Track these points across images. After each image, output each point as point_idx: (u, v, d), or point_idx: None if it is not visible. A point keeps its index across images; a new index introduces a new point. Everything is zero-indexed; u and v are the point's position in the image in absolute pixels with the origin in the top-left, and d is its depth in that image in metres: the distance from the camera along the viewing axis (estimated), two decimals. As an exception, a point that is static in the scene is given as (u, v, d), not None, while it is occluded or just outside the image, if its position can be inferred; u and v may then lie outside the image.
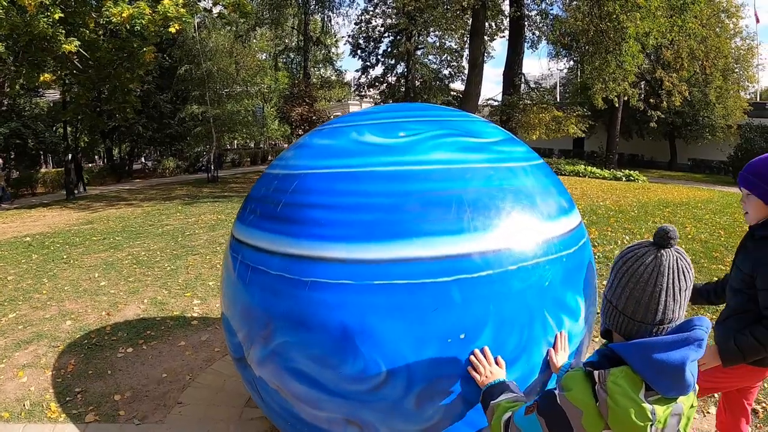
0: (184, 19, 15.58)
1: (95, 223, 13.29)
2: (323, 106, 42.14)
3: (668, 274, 1.49)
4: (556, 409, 1.54)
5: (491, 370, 2.08)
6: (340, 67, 48.31)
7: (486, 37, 27.99)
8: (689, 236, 10.62)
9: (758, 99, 38.86)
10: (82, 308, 6.41)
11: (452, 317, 2.10)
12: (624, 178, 23.07)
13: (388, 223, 2.20)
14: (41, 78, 17.95)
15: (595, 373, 1.49)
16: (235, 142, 44.94)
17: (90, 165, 32.61)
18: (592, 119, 30.13)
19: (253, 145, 46.24)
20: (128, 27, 15.65)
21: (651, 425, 1.41)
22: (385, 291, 2.09)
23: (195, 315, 6.13)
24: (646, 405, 1.40)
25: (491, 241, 2.18)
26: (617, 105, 23.80)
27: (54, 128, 29.81)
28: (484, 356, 2.13)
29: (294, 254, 2.28)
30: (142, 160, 36.61)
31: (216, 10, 20.06)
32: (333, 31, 35.51)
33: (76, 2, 16.37)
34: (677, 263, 1.50)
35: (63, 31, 15.64)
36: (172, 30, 15.51)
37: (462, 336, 2.11)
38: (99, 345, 5.30)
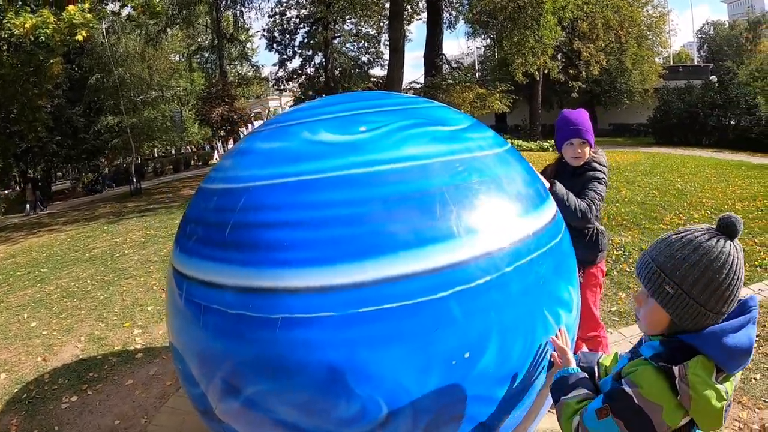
0: (91, 25, 14.57)
1: (17, 256, 12.28)
2: (243, 104, 41.38)
3: (740, 265, 1.49)
4: (634, 408, 1.52)
5: (569, 356, 1.97)
6: (257, 62, 47.42)
7: (404, 21, 27.99)
8: (626, 199, 10.97)
9: (671, 63, 40.84)
10: (14, 356, 5.79)
11: (455, 336, 1.81)
12: (551, 148, 23.42)
13: (365, 236, 1.83)
14: None
15: (675, 368, 1.48)
16: (155, 150, 43.73)
17: (6, 192, 30.96)
18: (515, 94, 30.69)
19: (174, 152, 45.09)
20: (32, 39, 14.57)
21: (726, 403, 1.48)
22: (376, 318, 1.74)
23: (138, 347, 5.64)
24: (720, 387, 1.46)
25: (485, 244, 1.91)
26: (537, 78, 24.11)
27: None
28: (564, 340, 2.08)
29: (255, 287, 1.86)
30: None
31: (125, 12, 18.95)
32: (247, 26, 34.64)
33: None
34: (739, 253, 1.50)
35: None
36: (80, 38, 14.46)
37: (467, 355, 1.83)
38: (40, 397, 4.77)
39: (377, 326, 1.75)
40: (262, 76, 39.31)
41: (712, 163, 17.65)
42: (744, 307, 1.52)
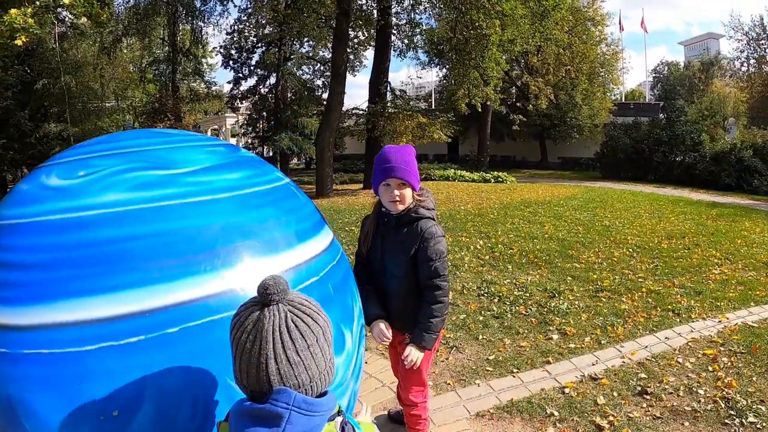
0: (32, 30, 14.28)
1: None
2: (198, 120, 40.94)
3: (273, 338, 1.32)
4: None
5: None
6: (213, 78, 47.06)
7: (359, 47, 28.03)
8: (547, 235, 10.80)
9: (623, 99, 41.71)
10: None
11: (103, 391, 1.70)
12: (492, 180, 23.76)
13: (43, 283, 1.80)
14: None
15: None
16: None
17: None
18: (464, 123, 30.97)
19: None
20: None
21: None
22: (35, 361, 1.71)
23: None
24: None
25: (155, 298, 1.80)
26: (480, 110, 24.40)
27: None
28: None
29: None
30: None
31: (73, 19, 18.96)
32: (204, 42, 34.44)
33: None
34: (287, 321, 1.34)
35: None
36: (19, 43, 14.31)
37: (115, 413, 1.70)
38: None
39: (35, 368, 1.72)
40: (215, 93, 39.01)
41: (651, 198, 17.89)
42: (274, 398, 1.29)
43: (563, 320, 6.06)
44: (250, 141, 36.80)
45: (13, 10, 13.90)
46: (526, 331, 5.79)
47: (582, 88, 31.37)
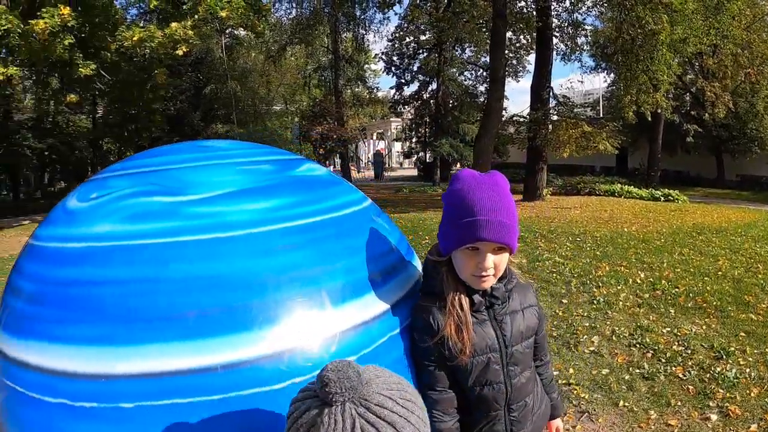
0: (191, 41, 15.78)
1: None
2: (364, 123, 41.94)
3: None
4: None
5: None
6: (377, 84, 48.12)
7: (520, 50, 27.09)
8: (720, 272, 8.96)
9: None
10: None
11: None
12: (662, 198, 21.34)
13: (19, 315, 1.64)
14: (68, 99, 19.41)
15: None
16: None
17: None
18: (634, 134, 28.73)
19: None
20: (139, 50, 16.13)
21: None
22: None
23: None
24: None
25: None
26: (650, 119, 22.41)
27: (101, 145, 30.87)
28: None
29: None
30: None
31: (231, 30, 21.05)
32: (365, 49, 35.20)
33: (91, 27, 16.90)
34: (353, 426, 1.01)
35: (81, 55, 16.25)
36: (179, 52, 15.80)
37: None
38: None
39: None
40: (378, 98, 39.68)
41: None
42: None
43: (728, 394, 4.74)
44: (412, 146, 37.13)
45: (173, 24, 15.18)
46: (679, 403, 4.61)
47: (764, 95, 27.26)
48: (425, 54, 32.48)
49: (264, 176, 1.89)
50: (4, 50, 16.09)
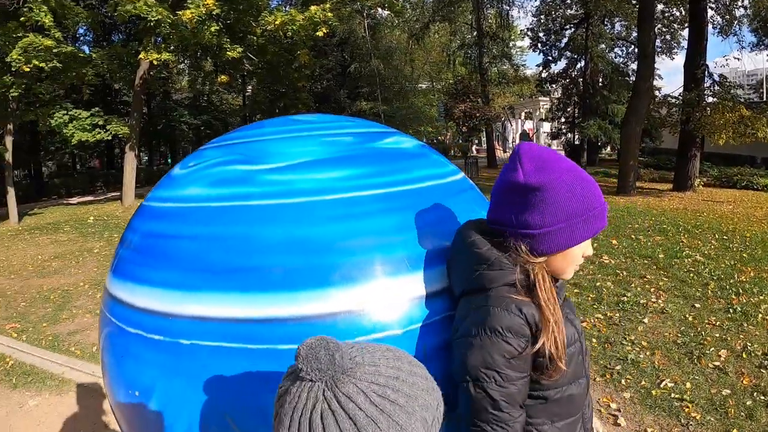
0: (330, 23, 16.74)
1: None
2: (512, 102, 41.28)
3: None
4: None
5: None
6: (524, 61, 46.96)
7: (674, 25, 25.52)
8: None
9: None
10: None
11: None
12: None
13: (122, 261, 2.00)
14: (219, 79, 21.04)
15: None
16: (423, 138, 45.79)
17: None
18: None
19: (435, 140, 46.61)
20: (282, 33, 17.54)
21: None
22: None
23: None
24: None
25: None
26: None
27: (253, 121, 33.76)
28: None
29: None
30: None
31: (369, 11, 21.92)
32: (510, 25, 34.48)
33: (236, 14, 18.23)
34: (314, 408, 0.92)
35: (228, 40, 17.70)
36: (320, 34, 16.93)
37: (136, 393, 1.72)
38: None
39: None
40: (523, 76, 38.74)
41: None
42: None
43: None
44: (559, 126, 36.03)
45: (313, 7, 16.09)
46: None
47: None
48: (572, 29, 31.37)
49: (343, 147, 2.00)
50: (158, 38, 18.13)
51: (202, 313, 1.61)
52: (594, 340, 5.36)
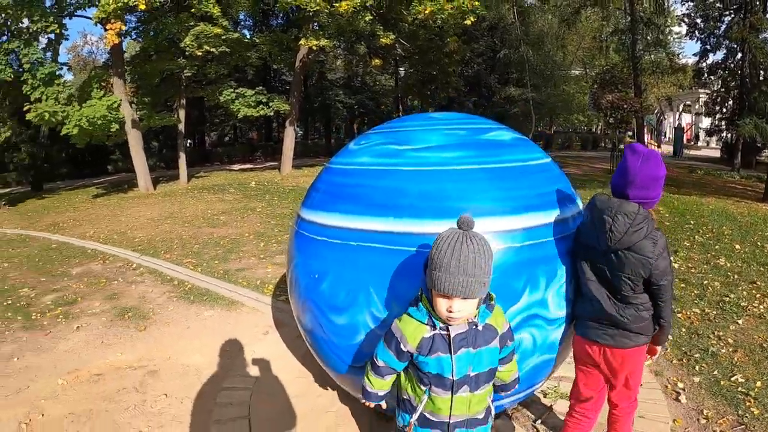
0: (477, 11, 17.50)
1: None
2: (670, 93, 39.40)
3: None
4: None
5: None
6: (681, 49, 44.27)
7: None
8: None
9: None
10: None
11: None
12: None
13: (320, 201, 3.27)
14: (372, 62, 22.48)
15: None
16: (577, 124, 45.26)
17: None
18: None
19: (589, 130, 45.78)
20: (431, 21, 18.41)
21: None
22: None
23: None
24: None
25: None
26: None
27: (406, 101, 35.57)
28: None
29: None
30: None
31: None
32: (667, 10, 32.76)
33: (388, 3, 19.63)
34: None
35: (381, 27, 19.32)
36: (468, 22, 17.75)
37: (316, 276, 3.04)
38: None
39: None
40: (680, 65, 36.57)
41: None
42: None
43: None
44: (717, 123, 33.44)
45: None
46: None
47: None
48: (731, 15, 29.43)
49: (458, 137, 3.17)
50: (316, 25, 20.02)
51: (366, 228, 2.87)
52: (683, 329, 5.52)
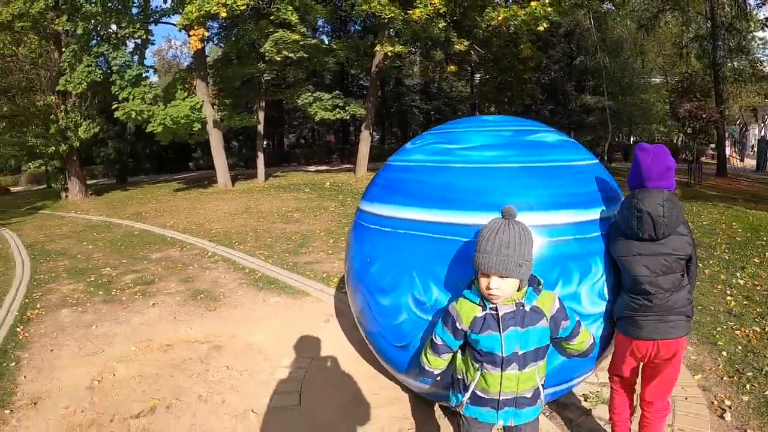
0: (550, 17, 17.45)
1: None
2: (755, 103, 37.83)
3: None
4: None
5: None
6: (767, 56, 42.32)
7: None
8: None
9: None
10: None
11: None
12: None
13: (377, 194, 3.65)
14: (448, 69, 22.90)
15: None
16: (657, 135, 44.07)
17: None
18: None
19: (669, 140, 44.54)
20: (505, 28, 18.70)
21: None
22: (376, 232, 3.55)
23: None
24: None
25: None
26: None
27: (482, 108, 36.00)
28: None
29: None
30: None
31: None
32: (750, 15, 31.30)
33: (461, 9, 19.83)
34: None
35: (455, 34, 19.58)
36: (540, 29, 17.74)
37: (368, 260, 3.42)
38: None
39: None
40: (762, 73, 35.04)
41: None
42: None
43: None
44: None
45: (533, 2, 16.96)
46: None
47: None
48: None
49: (503, 138, 3.45)
50: (392, 32, 20.57)
51: (417, 218, 3.18)
52: (739, 347, 5.31)
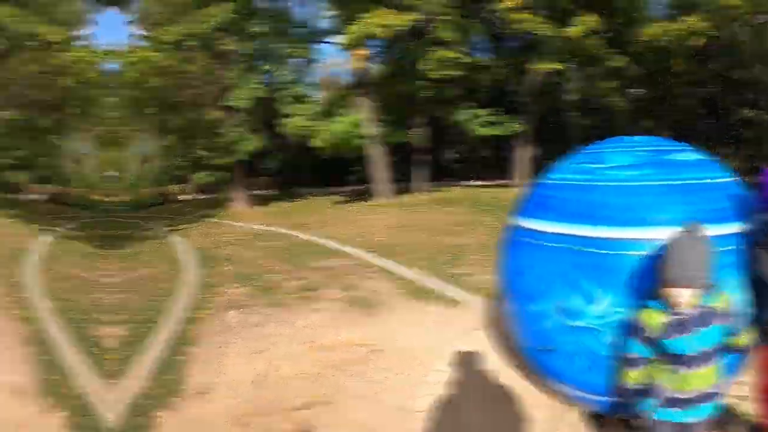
0: (706, 32, 17.81)
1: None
2: None
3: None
4: None
5: None
6: None
7: None
8: None
9: None
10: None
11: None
12: None
13: (534, 206, 4.08)
14: (605, 84, 22.45)
15: None
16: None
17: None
18: None
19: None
20: (658, 43, 18.74)
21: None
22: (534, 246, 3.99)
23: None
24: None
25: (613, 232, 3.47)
26: None
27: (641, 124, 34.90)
28: None
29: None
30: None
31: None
32: None
33: (617, 26, 20.41)
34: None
35: (612, 50, 20.29)
36: (698, 43, 18.08)
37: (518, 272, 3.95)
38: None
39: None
40: None
41: None
42: None
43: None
44: None
45: (688, 18, 17.28)
46: None
47: None
48: None
49: (641, 158, 3.77)
50: (548, 49, 20.85)
51: (566, 232, 3.60)
52: None
